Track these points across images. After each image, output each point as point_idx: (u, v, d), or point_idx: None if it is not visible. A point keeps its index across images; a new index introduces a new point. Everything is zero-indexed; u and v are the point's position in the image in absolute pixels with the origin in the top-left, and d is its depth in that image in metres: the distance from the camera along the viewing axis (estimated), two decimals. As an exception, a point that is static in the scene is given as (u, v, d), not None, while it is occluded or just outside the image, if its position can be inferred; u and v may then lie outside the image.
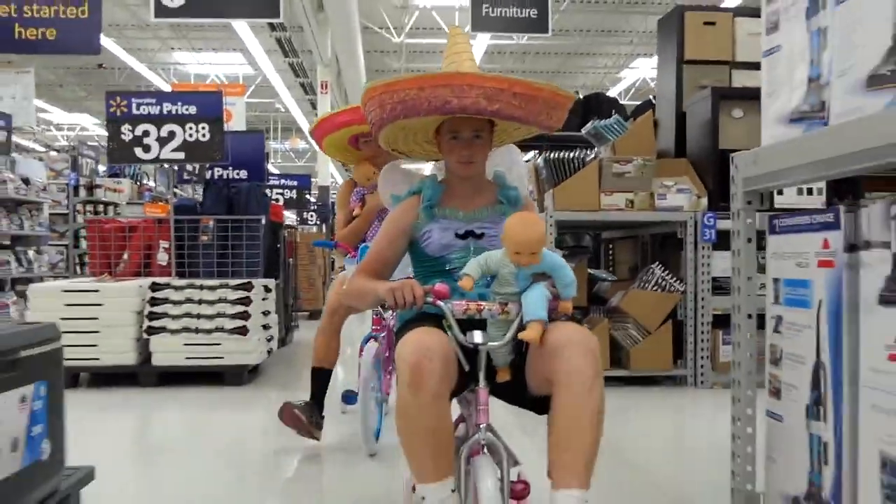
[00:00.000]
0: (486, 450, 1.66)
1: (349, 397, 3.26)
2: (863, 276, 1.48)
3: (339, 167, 18.41)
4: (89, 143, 17.04)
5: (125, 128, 4.65)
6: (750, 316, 1.94)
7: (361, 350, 3.13)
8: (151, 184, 13.00)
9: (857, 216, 1.51)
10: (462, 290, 1.75)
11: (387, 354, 3.09)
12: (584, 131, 4.77)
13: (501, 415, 1.74)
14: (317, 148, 4.08)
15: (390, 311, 2.87)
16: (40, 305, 4.28)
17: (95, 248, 5.01)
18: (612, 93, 17.03)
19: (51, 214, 9.17)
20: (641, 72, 15.90)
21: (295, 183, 10.13)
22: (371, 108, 1.92)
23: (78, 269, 9.91)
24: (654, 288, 4.37)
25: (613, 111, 6.20)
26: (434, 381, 1.61)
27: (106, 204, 10.43)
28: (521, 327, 1.70)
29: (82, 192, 10.11)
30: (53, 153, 12.86)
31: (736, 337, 1.98)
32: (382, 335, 3.07)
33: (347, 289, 2.08)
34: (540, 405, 1.79)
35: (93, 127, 22.39)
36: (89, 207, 10.19)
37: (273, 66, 14.64)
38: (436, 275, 1.92)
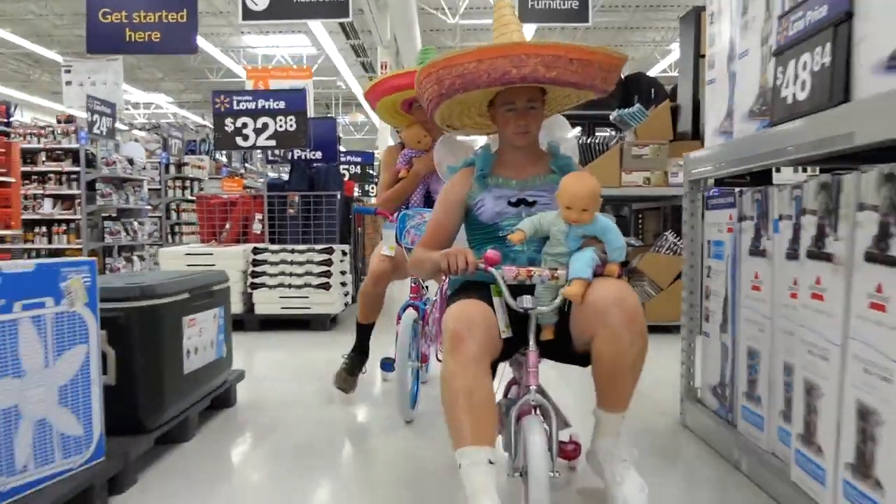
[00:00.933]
0: (536, 411, 1.68)
1: (387, 364, 3.22)
2: (743, 238, 2.32)
3: (395, 137, 19.32)
4: (163, 121, 18.35)
5: (228, 121, 5.65)
6: (693, 266, 2.79)
7: (399, 318, 2.97)
8: (224, 160, 14.24)
9: (743, 199, 2.34)
10: (511, 243, 1.80)
11: (423, 321, 3.02)
12: (611, 118, 5.54)
13: (552, 378, 1.90)
14: (370, 111, 4.26)
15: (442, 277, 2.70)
16: (168, 265, 5.36)
17: (203, 220, 6.09)
18: (662, 65, 17.37)
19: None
20: (690, 44, 16.16)
21: (359, 159, 11.11)
22: (428, 84, 1.92)
23: (169, 237, 11.16)
24: (667, 252, 5.17)
25: (653, 90, 6.93)
26: (473, 347, 1.65)
27: (192, 180, 11.62)
28: None
29: (172, 170, 11.32)
30: (140, 133, 14.15)
31: (685, 281, 2.83)
32: (420, 303, 3.00)
33: (409, 260, 2.15)
34: (584, 359, 1.85)
35: (167, 105, 23.85)
36: (178, 183, 11.39)
37: (335, 47, 15.57)
38: (489, 241, 1.94)
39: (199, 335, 2.54)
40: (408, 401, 2.82)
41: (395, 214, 3.02)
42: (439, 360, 1.97)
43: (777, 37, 2.05)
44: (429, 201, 3.14)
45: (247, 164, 15.32)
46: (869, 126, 1.53)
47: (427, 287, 3.11)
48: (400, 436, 2.75)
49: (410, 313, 2.86)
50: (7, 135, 6.59)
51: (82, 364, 1.87)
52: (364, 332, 3.26)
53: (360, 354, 3.27)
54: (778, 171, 5.36)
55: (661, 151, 5.10)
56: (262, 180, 16.23)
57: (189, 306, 2.45)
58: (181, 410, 2.46)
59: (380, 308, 3.18)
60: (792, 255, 1.95)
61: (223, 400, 2.97)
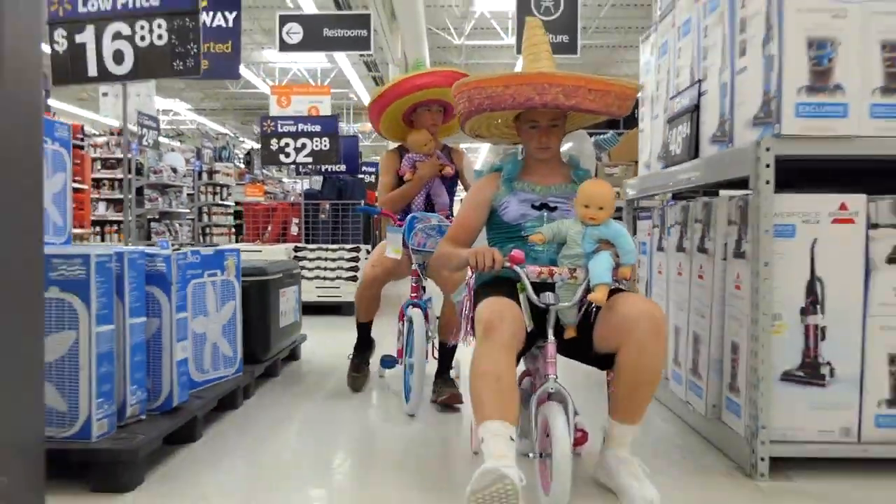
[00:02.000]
0: (553, 398, 1.81)
1: (387, 361, 3.25)
2: (653, 239, 3.47)
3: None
4: (183, 128, 19.36)
5: (273, 141, 6.82)
6: (639, 261, 3.94)
7: (401, 315, 3.04)
8: (242, 166, 15.40)
9: (654, 212, 3.49)
10: (532, 244, 1.95)
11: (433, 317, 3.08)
12: (590, 142, 6.69)
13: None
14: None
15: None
16: (225, 260, 6.52)
17: (249, 223, 7.25)
18: (655, 81, 18.60)
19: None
20: (680, 63, 17.33)
21: (373, 169, 12.27)
22: (461, 100, 2.11)
23: (201, 238, 12.32)
24: (634, 252, 6.33)
25: (636, 111, 8.09)
26: (505, 334, 1.79)
27: (221, 186, 12.79)
28: (588, 290, 1.86)
29: (204, 177, 12.49)
30: (164, 139, 15.32)
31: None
32: (421, 302, 3.05)
33: (435, 254, 2.30)
34: (603, 361, 1.99)
35: (185, 112, 25.07)
36: (209, 189, 12.55)
37: (349, 62, 16.77)
38: (510, 241, 2.09)
39: (286, 303, 3.70)
40: (405, 395, 2.98)
41: (399, 217, 3.18)
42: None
43: (669, 110, 3.20)
44: (429, 205, 3.28)
45: (265, 171, 16.52)
46: (704, 174, 2.69)
47: (425, 288, 3.20)
48: (401, 420, 3.02)
49: (418, 313, 2.92)
50: (81, 148, 7.76)
51: (233, 312, 3.03)
52: (364, 329, 3.48)
53: (363, 349, 3.50)
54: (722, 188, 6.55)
55: (628, 170, 6.25)
56: (278, 186, 17.31)
57: (282, 282, 3.61)
58: (276, 353, 3.61)
59: (376, 307, 3.35)
60: (674, 249, 3.10)
61: (294, 353, 4.13)
